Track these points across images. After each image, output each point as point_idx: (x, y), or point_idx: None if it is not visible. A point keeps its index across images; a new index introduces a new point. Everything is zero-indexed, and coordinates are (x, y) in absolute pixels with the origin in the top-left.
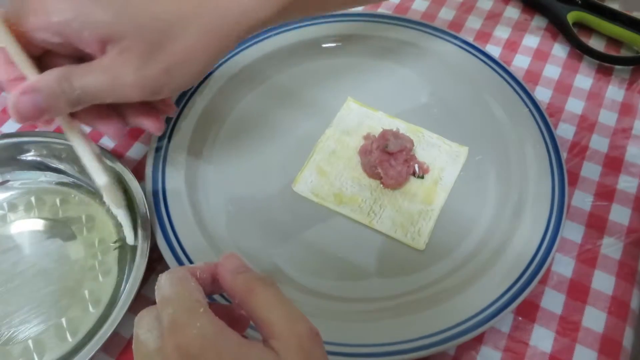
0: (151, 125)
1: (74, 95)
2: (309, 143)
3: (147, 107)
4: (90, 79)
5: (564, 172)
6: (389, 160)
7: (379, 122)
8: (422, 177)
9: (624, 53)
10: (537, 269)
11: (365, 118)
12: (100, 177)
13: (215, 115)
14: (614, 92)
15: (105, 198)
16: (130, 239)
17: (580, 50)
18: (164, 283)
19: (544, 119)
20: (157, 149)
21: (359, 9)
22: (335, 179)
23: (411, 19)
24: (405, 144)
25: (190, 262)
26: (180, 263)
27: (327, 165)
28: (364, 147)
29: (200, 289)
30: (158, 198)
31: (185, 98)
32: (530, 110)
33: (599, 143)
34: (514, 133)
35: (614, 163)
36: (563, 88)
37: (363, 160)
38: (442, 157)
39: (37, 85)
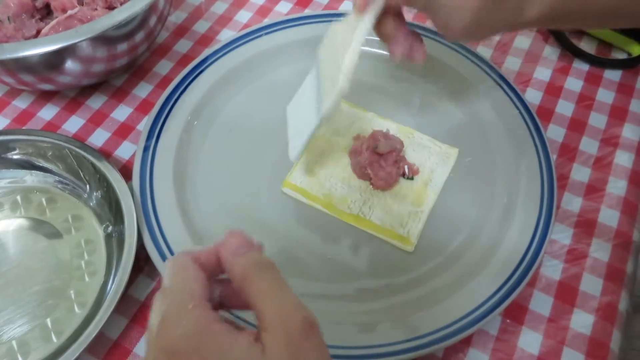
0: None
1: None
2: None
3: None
4: None
5: (553, 175)
6: (378, 162)
7: (370, 123)
8: (412, 179)
9: (614, 56)
10: (525, 271)
11: (356, 119)
12: (345, 78)
13: (205, 115)
14: (605, 94)
15: (331, 101)
16: (294, 156)
17: (571, 52)
18: (167, 271)
19: (534, 121)
20: (146, 148)
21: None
22: (325, 179)
23: None
24: (395, 145)
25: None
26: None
27: (316, 166)
28: (354, 148)
29: (200, 276)
30: (145, 198)
31: (174, 96)
32: (520, 112)
33: (588, 145)
34: (504, 135)
35: (603, 165)
36: (554, 90)
37: (353, 161)
38: (432, 158)
39: None
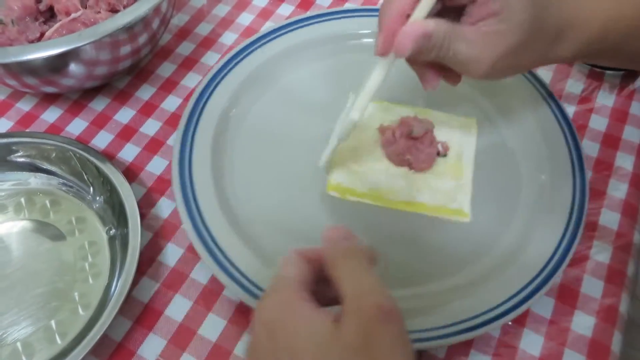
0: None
1: (445, 52)
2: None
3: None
4: (464, 47)
5: (585, 189)
6: (415, 146)
7: (386, 111)
8: (446, 155)
9: None
10: (543, 281)
11: (372, 111)
12: (357, 111)
13: (233, 123)
14: (605, 97)
15: (342, 128)
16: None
17: None
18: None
19: (572, 130)
20: (181, 161)
21: (356, 5)
22: (366, 174)
23: None
24: (428, 126)
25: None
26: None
27: (353, 163)
28: (386, 139)
29: (301, 266)
30: (190, 206)
31: (199, 106)
32: (559, 123)
33: (589, 148)
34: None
35: (604, 168)
36: (554, 93)
37: (388, 151)
38: (455, 132)
39: (430, 30)
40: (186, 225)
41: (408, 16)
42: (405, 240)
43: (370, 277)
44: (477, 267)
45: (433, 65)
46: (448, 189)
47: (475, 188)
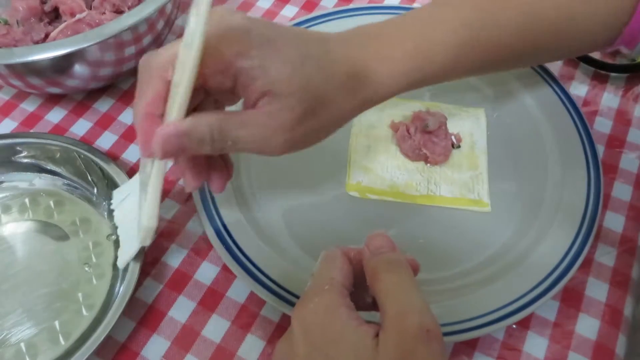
0: (218, 184)
1: (223, 144)
2: (342, 147)
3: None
4: (244, 133)
5: (600, 192)
6: (431, 139)
7: (395, 107)
8: (460, 147)
9: (619, 61)
10: (550, 286)
11: (380, 107)
12: (152, 219)
13: None
14: (610, 99)
15: (140, 235)
16: (121, 264)
17: (576, 57)
18: (319, 259)
19: (588, 135)
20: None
21: (362, 4)
22: (383, 172)
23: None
24: (441, 119)
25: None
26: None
27: (369, 162)
28: (401, 135)
29: (344, 267)
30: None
31: None
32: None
33: None
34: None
35: (608, 170)
36: None
37: (403, 147)
38: (465, 123)
39: (189, 130)
40: (208, 230)
41: (161, 115)
42: (426, 235)
43: (412, 295)
44: (491, 265)
45: (196, 165)
46: (466, 180)
47: (490, 178)
